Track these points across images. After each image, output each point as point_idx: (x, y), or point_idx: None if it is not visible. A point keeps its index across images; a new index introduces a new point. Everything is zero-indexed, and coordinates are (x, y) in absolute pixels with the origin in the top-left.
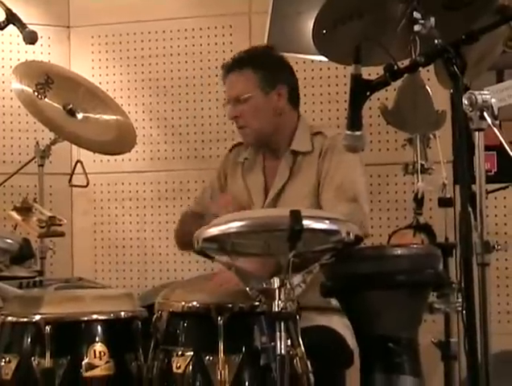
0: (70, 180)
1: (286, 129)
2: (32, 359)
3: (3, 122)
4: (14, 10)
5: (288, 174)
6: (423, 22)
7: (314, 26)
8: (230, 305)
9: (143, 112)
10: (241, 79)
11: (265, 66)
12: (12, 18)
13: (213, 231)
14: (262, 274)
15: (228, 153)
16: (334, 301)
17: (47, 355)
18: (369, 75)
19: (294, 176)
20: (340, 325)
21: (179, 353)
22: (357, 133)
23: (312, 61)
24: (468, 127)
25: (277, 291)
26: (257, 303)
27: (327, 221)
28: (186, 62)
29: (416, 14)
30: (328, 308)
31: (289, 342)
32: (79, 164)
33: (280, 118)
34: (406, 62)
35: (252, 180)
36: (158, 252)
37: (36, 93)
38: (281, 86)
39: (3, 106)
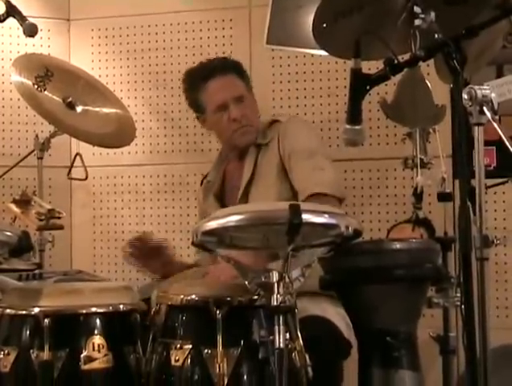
0: (69, 173)
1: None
2: (31, 351)
3: (3, 115)
4: (14, 3)
5: (252, 168)
6: (423, 16)
7: (314, 19)
8: (229, 299)
9: (143, 105)
10: (233, 80)
11: (243, 72)
12: (12, 11)
13: (212, 224)
14: (258, 267)
15: (199, 188)
16: None
17: (46, 347)
18: (369, 69)
19: (258, 168)
20: (335, 315)
21: (178, 346)
22: (357, 127)
23: (312, 55)
24: (467, 122)
25: (276, 285)
26: (255, 297)
27: (326, 215)
28: (186, 55)
29: (416, 9)
30: (319, 293)
31: (287, 335)
32: (78, 157)
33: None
34: (406, 56)
35: (232, 178)
36: None
37: (36, 86)
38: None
39: (3, 99)
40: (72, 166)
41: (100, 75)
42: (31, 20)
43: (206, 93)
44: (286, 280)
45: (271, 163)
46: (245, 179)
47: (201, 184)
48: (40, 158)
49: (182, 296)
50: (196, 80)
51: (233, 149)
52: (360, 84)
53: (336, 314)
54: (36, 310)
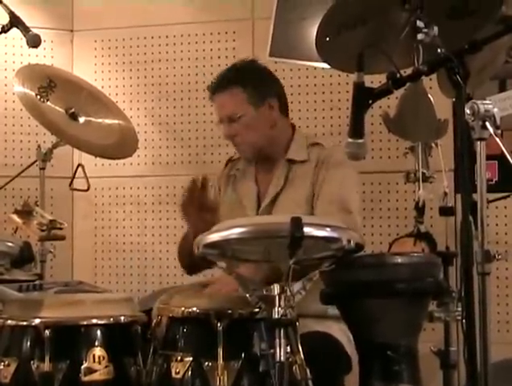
0: (71, 184)
1: (281, 139)
2: (31, 362)
3: (5, 125)
4: (18, 14)
5: (283, 182)
6: (426, 30)
7: (317, 32)
8: (230, 312)
9: (145, 116)
10: (230, 98)
11: (252, 81)
12: (15, 22)
13: (214, 237)
14: (258, 279)
15: (223, 169)
16: (331, 310)
17: (47, 358)
18: (372, 82)
19: (289, 184)
20: (337, 330)
21: (179, 358)
22: (359, 140)
23: (315, 68)
24: (469, 136)
25: (277, 298)
26: (257, 309)
27: (328, 229)
28: (189, 67)
29: (419, 23)
30: (326, 316)
31: (288, 348)
32: (80, 168)
33: (274, 130)
34: (409, 70)
35: (244, 190)
36: (159, 256)
37: (39, 96)
38: (271, 98)
39: (5, 109)
40: (74, 176)
41: (102, 86)
42: (35, 31)
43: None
44: (288, 293)
45: (303, 185)
46: (272, 190)
47: (225, 166)
48: (42, 169)
49: (183, 308)
50: (209, 93)
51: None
52: (362, 98)
53: (339, 330)
54: (37, 321)
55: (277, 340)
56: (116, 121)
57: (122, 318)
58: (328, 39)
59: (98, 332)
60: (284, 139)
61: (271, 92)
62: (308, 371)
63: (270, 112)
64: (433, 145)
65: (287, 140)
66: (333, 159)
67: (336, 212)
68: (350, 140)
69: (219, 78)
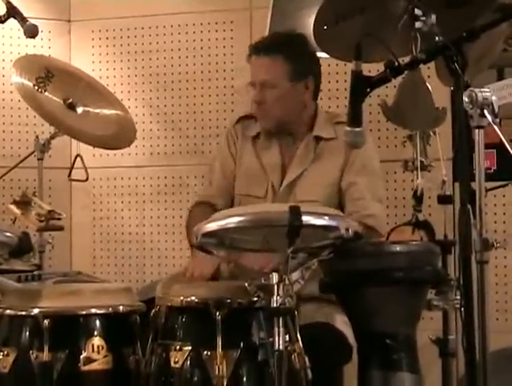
0: (69, 174)
1: (305, 117)
2: (30, 352)
3: (3, 116)
4: (15, 4)
5: (312, 158)
6: (424, 19)
7: (315, 22)
8: (229, 301)
9: (143, 106)
10: (270, 65)
11: (297, 57)
12: (13, 12)
13: (212, 226)
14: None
15: (234, 125)
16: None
17: (46, 348)
18: (370, 71)
19: (317, 161)
20: (340, 322)
21: (178, 348)
22: (357, 129)
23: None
24: (468, 124)
25: (275, 287)
26: (255, 299)
27: (326, 217)
28: (187, 57)
29: (417, 11)
30: (325, 299)
31: (287, 337)
32: (78, 158)
33: (303, 110)
34: (407, 59)
35: (268, 158)
36: (158, 247)
37: (36, 87)
38: (309, 79)
39: (3, 100)
40: (72, 167)
41: (100, 77)
42: (32, 21)
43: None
44: (286, 282)
45: (332, 162)
46: (298, 165)
47: (237, 122)
48: (40, 160)
49: (182, 297)
50: (249, 50)
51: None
52: (360, 87)
53: (341, 321)
54: (36, 310)
55: (276, 329)
56: (114, 112)
57: (121, 307)
58: (325, 28)
59: (97, 322)
60: (308, 117)
61: (311, 72)
62: (307, 359)
63: (304, 92)
64: (431, 133)
65: (311, 117)
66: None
67: (374, 201)
68: (348, 128)
69: (264, 40)
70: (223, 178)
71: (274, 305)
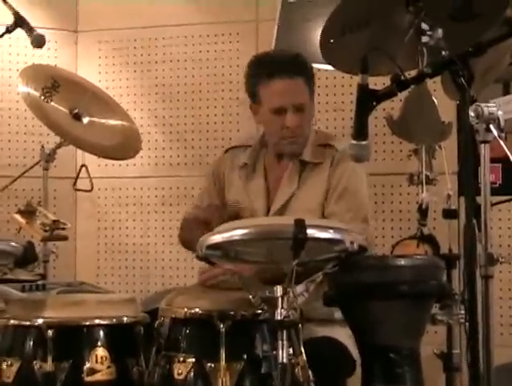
0: (74, 184)
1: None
2: (34, 362)
3: (9, 125)
4: (22, 14)
5: (297, 184)
6: (430, 33)
7: (321, 34)
8: (232, 313)
9: (149, 117)
10: (298, 87)
11: (311, 76)
12: (20, 22)
13: (217, 238)
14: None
15: (223, 155)
16: (337, 314)
17: (49, 358)
18: (376, 85)
19: (302, 185)
20: (343, 335)
21: (181, 359)
22: (363, 142)
23: (319, 70)
24: (473, 139)
25: (279, 299)
26: (259, 311)
27: (331, 230)
28: (193, 68)
29: (424, 25)
30: (332, 320)
31: (291, 350)
32: (83, 168)
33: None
34: (413, 73)
35: (253, 185)
36: (162, 257)
37: (42, 97)
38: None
39: (9, 109)
40: (77, 177)
41: (107, 87)
42: (39, 31)
43: (267, 90)
44: (291, 295)
45: (317, 187)
46: (285, 191)
47: (225, 152)
48: (46, 169)
49: (185, 309)
50: (262, 72)
51: (275, 152)
52: (366, 100)
53: (345, 334)
54: (40, 321)
55: (279, 342)
56: (120, 122)
57: (125, 318)
58: (332, 40)
59: (101, 332)
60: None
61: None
62: (311, 373)
63: (314, 108)
64: (437, 147)
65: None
66: (346, 161)
67: (355, 221)
68: (354, 142)
69: (280, 63)
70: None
71: (278, 317)
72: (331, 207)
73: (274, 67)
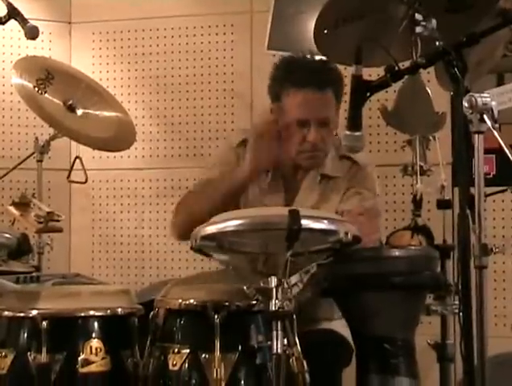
0: (69, 176)
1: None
2: (28, 354)
3: (3, 117)
4: (16, 5)
5: (317, 198)
6: (424, 23)
7: (315, 25)
8: (227, 304)
9: (143, 109)
10: (326, 101)
11: (340, 89)
12: (13, 13)
13: (211, 229)
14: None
15: (239, 149)
16: (337, 314)
17: (44, 350)
18: (370, 75)
19: (321, 200)
20: (340, 325)
21: (176, 350)
22: (357, 133)
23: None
24: (467, 129)
25: (274, 290)
26: (254, 302)
27: (325, 221)
28: (187, 60)
29: (418, 16)
30: (333, 319)
31: (285, 341)
32: (78, 160)
33: None
34: (407, 63)
35: (271, 196)
36: (156, 249)
37: (36, 89)
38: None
39: (3, 101)
40: (71, 169)
41: (100, 79)
42: (33, 23)
43: (293, 99)
44: (285, 285)
45: (335, 202)
46: (304, 206)
47: (238, 146)
48: (40, 161)
49: (180, 300)
50: (290, 77)
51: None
52: (360, 91)
53: (342, 325)
54: (34, 312)
55: (274, 332)
56: (114, 114)
57: (120, 309)
58: (326, 31)
59: (95, 324)
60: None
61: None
62: (306, 363)
63: (338, 119)
64: (431, 138)
65: None
66: (363, 177)
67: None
68: (348, 133)
69: (311, 72)
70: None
71: (273, 308)
72: (341, 205)
73: (304, 75)
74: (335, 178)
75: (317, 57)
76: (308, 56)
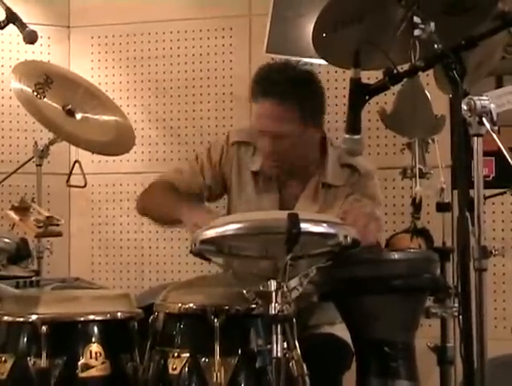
0: (68, 180)
1: (312, 158)
2: (28, 358)
3: (2, 122)
4: (15, 10)
5: (318, 207)
6: (423, 26)
7: (314, 29)
8: (227, 308)
9: (142, 113)
10: (283, 113)
11: (310, 102)
12: (12, 18)
13: (211, 233)
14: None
15: (230, 147)
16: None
17: (43, 355)
18: (369, 79)
19: (324, 209)
20: (340, 329)
21: (176, 354)
22: (356, 136)
23: (312, 64)
24: (466, 132)
25: (274, 294)
26: (253, 305)
27: (324, 224)
28: (186, 63)
29: (416, 19)
30: (336, 323)
31: (285, 344)
32: (77, 164)
33: (313, 152)
34: (406, 66)
35: (266, 199)
36: (156, 253)
37: (35, 93)
38: (320, 120)
39: (2, 105)
40: (71, 173)
41: (99, 83)
42: (31, 27)
43: (255, 108)
44: (285, 289)
45: (337, 208)
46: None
47: (232, 144)
48: (39, 165)
49: (180, 304)
50: (254, 87)
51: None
52: (359, 94)
53: (341, 328)
54: (34, 317)
55: (274, 336)
56: (113, 118)
57: (119, 314)
58: (324, 35)
59: (95, 328)
60: (315, 157)
61: (321, 110)
62: (306, 366)
63: (314, 135)
64: (430, 141)
65: (317, 157)
66: (366, 192)
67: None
68: (347, 136)
69: (271, 84)
70: (198, 178)
71: (273, 312)
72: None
73: (266, 86)
74: (336, 186)
75: (304, 67)
76: (296, 64)
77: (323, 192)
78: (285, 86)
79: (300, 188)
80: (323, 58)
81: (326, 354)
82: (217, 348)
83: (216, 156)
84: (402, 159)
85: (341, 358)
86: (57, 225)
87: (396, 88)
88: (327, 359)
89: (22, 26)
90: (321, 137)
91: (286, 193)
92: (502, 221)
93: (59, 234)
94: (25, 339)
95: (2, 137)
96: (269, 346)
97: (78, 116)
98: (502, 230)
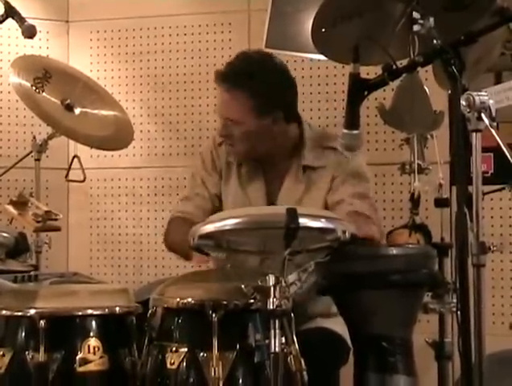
0: (67, 175)
1: (285, 145)
2: (26, 353)
3: (0, 116)
4: (13, 4)
5: (302, 191)
6: (422, 22)
7: (313, 24)
8: (225, 302)
9: (141, 108)
10: (235, 101)
11: (263, 90)
12: (11, 12)
13: (209, 228)
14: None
15: (217, 147)
16: (333, 307)
17: (41, 349)
18: (368, 74)
19: (307, 191)
20: (336, 323)
21: (174, 349)
22: (355, 132)
23: (311, 59)
24: (465, 128)
25: (272, 289)
26: (251, 300)
27: (323, 219)
28: (185, 58)
29: (415, 14)
30: (330, 314)
31: (283, 339)
32: (76, 159)
33: (276, 140)
34: (405, 62)
35: (252, 189)
36: (154, 248)
37: (34, 87)
38: (277, 111)
39: (1, 100)
40: (69, 168)
41: (98, 78)
42: (30, 21)
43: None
44: (283, 284)
45: (322, 192)
46: (291, 197)
47: (219, 145)
48: (38, 160)
49: (178, 299)
50: (215, 76)
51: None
52: (358, 89)
53: (340, 323)
54: (32, 311)
55: (272, 331)
56: (112, 113)
57: (117, 308)
58: (323, 30)
59: (93, 323)
60: (289, 143)
61: (280, 103)
62: (304, 362)
63: (272, 126)
64: (429, 136)
65: (294, 144)
66: (350, 171)
67: (355, 199)
68: (345, 131)
69: (229, 71)
70: (204, 194)
71: (271, 307)
72: (336, 195)
73: (223, 72)
74: (319, 168)
75: (276, 60)
76: (269, 56)
77: (306, 174)
78: (241, 75)
79: (283, 172)
80: (322, 53)
81: (321, 349)
82: (215, 343)
83: (209, 162)
84: (401, 155)
85: (336, 352)
86: (56, 220)
87: (395, 83)
88: (322, 353)
89: (20, 20)
90: (297, 122)
91: (270, 178)
92: (501, 217)
93: (57, 228)
94: (23, 334)
95: (1, 132)
96: (267, 341)
97: (77, 110)
98: (501, 226)
